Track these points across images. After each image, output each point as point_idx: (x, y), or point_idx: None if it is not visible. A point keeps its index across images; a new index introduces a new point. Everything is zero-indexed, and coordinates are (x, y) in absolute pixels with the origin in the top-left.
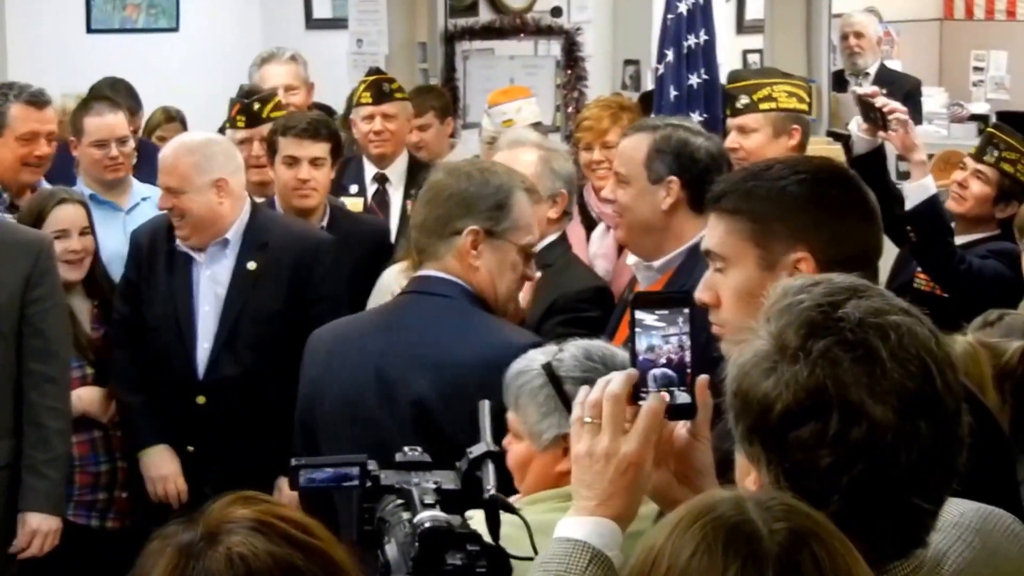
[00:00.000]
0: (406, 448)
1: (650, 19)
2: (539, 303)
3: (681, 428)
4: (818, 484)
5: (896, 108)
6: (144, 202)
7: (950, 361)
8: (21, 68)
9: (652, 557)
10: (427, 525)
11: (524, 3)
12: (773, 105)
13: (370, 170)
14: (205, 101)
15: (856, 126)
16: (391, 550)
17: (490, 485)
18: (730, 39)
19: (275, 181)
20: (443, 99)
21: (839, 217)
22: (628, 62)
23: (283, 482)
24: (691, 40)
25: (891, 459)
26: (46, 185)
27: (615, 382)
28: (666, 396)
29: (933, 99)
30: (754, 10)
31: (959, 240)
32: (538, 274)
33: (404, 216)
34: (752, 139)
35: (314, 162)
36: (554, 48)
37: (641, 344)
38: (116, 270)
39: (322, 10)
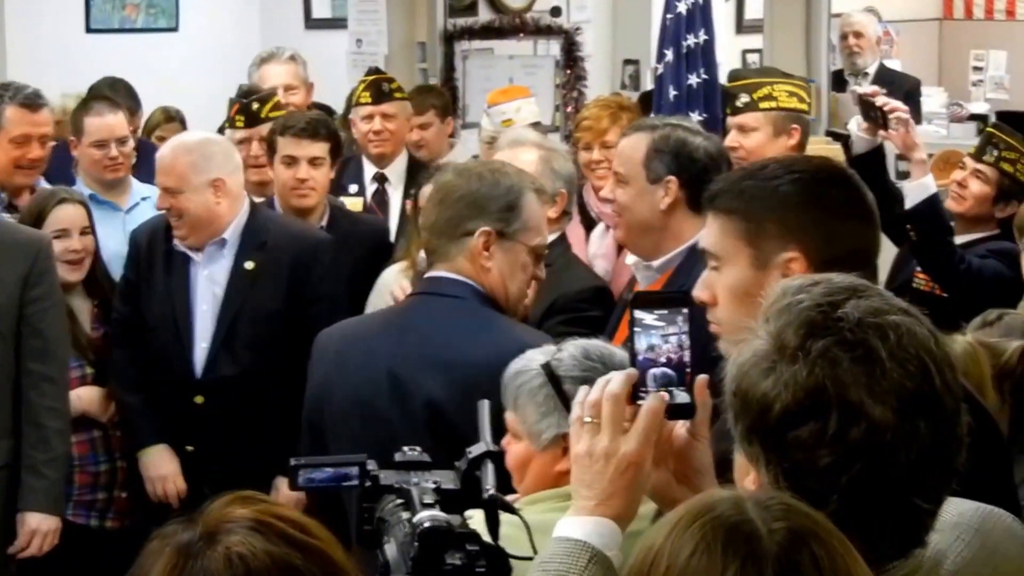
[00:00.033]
0: (405, 448)
1: (649, 19)
2: (539, 303)
3: (680, 428)
4: (817, 484)
5: (897, 107)
6: (144, 202)
7: (949, 361)
8: (20, 68)
9: (651, 556)
10: (426, 525)
11: (523, 3)
12: (773, 104)
13: (369, 170)
14: (204, 101)
15: (856, 126)
16: (390, 550)
17: (489, 485)
18: (729, 39)
19: (274, 181)
20: (444, 98)
21: (833, 217)
22: (627, 62)
23: (281, 482)
24: (690, 40)
25: (890, 459)
26: (45, 185)
27: (615, 382)
28: (665, 396)
29: (932, 99)
30: (753, 10)
31: (958, 240)
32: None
33: (403, 216)
34: (752, 138)
35: (313, 162)
36: (553, 48)
37: (640, 344)
38: (116, 270)
39: (321, 10)
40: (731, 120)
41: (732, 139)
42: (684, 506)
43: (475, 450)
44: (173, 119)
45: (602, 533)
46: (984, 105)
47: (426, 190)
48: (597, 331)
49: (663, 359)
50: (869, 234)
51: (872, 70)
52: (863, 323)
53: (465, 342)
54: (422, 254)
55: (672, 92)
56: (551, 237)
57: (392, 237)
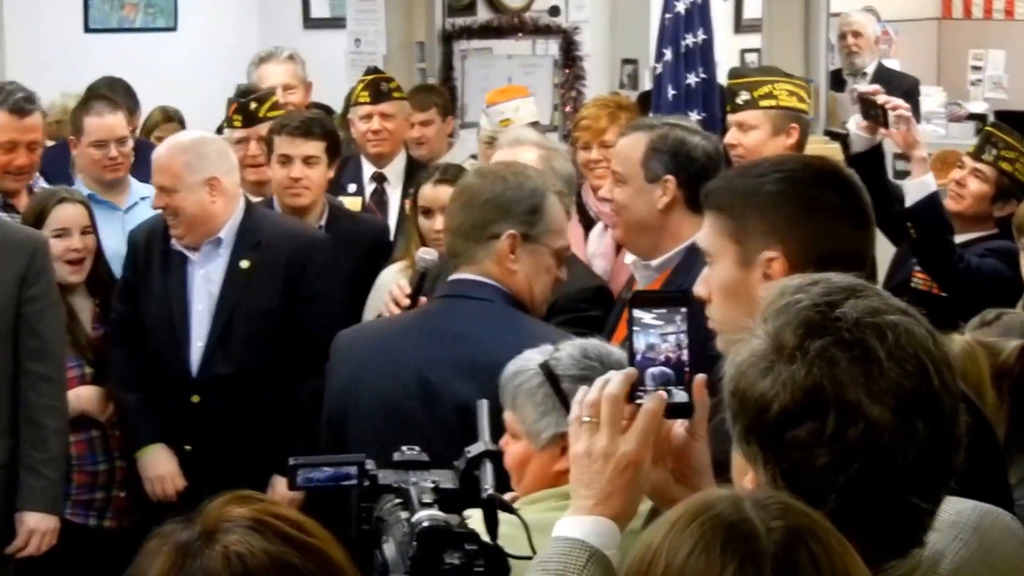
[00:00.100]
0: (404, 448)
1: (648, 18)
2: None
3: (679, 427)
4: (815, 483)
5: (899, 105)
6: (143, 201)
7: (947, 361)
8: (19, 67)
9: (650, 555)
10: (425, 524)
11: (522, 2)
12: (773, 103)
13: (368, 169)
14: (203, 100)
15: (855, 124)
16: (389, 549)
17: (488, 484)
18: (728, 38)
19: (271, 180)
20: (445, 98)
21: (817, 217)
22: (626, 61)
23: (278, 480)
24: (689, 39)
25: (888, 459)
26: (44, 185)
27: (613, 382)
28: (664, 395)
29: (931, 98)
30: (752, 9)
31: (957, 239)
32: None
33: (402, 215)
34: (751, 136)
35: (307, 160)
36: (552, 47)
37: (639, 343)
38: (115, 270)
39: (320, 9)
40: (731, 117)
41: (731, 137)
42: (683, 505)
43: (474, 450)
44: (172, 119)
45: (601, 532)
46: (983, 105)
47: (425, 190)
48: (597, 331)
49: (662, 358)
50: (857, 235)
51: (871, 70)
52: (861, 323)
53: (496, 345)
54: (420, 253)
55: (671, 91)
56: None
57: (391, 236)
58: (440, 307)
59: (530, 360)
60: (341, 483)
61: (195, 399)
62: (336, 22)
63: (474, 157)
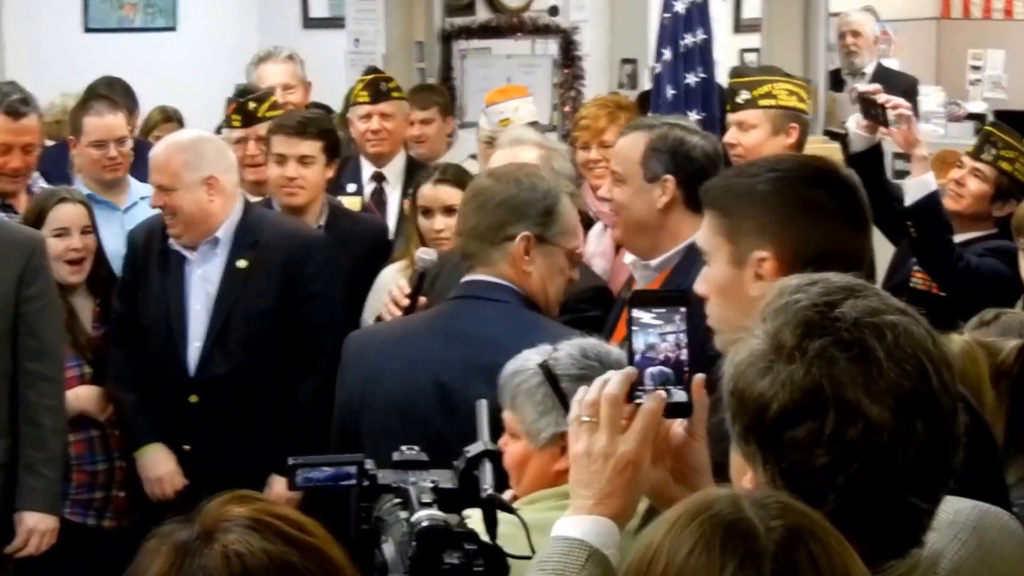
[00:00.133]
0: (403, 447)
1: (647, 18)
2: None
3: (678, 426)
4: (814, 483)
5: (900, 104)
6: (142, 201)
7: (946, 360)
8: (18, 67)
9: (650, 554)
10: (424, 524)
11: (521, 2)
12: (773, 102)
13: (367, 169)
14: (202, 100)
15: (854, 124)
16: (388, 549)
17: (487, 484)
18: (727, 38)
19: (269, 179)
20: (446, 97)
21: (807, 218)
22: (625, 61)
23: (275, 480)
24: (688, 39)
25: (887, 458)
26: (43, 185)
27: (613, 382)
28: (663, 394)
29: (930, 98)
30: (751, 9)
31: (956, 238)
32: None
33: (401, 215)
34: (751, 135)
35: (302, 160)
36: (551, 47)
37: (638, 342)
38: (115, 269)
39: (319, 9)
40: (730, 117)
41: (731, 136)
42: (682, 504)
43: (473, 449)
44: (171, 119)
45: (600, 532)
46: (982, 104)
47: (425, 190)
48: (597, 331)
49: (661, 357)
50: (852, 236)
51: (870, 69)
52: (860, 323)
53: (514, 346)
54: (418, 253)
55: (670, 91)
56: None
57: (390, 236)
58: (455, 308)
59: (529, 360)
60: (340, 483)
61: (193, 399)
62: (335, 22)
63: (473, 157)
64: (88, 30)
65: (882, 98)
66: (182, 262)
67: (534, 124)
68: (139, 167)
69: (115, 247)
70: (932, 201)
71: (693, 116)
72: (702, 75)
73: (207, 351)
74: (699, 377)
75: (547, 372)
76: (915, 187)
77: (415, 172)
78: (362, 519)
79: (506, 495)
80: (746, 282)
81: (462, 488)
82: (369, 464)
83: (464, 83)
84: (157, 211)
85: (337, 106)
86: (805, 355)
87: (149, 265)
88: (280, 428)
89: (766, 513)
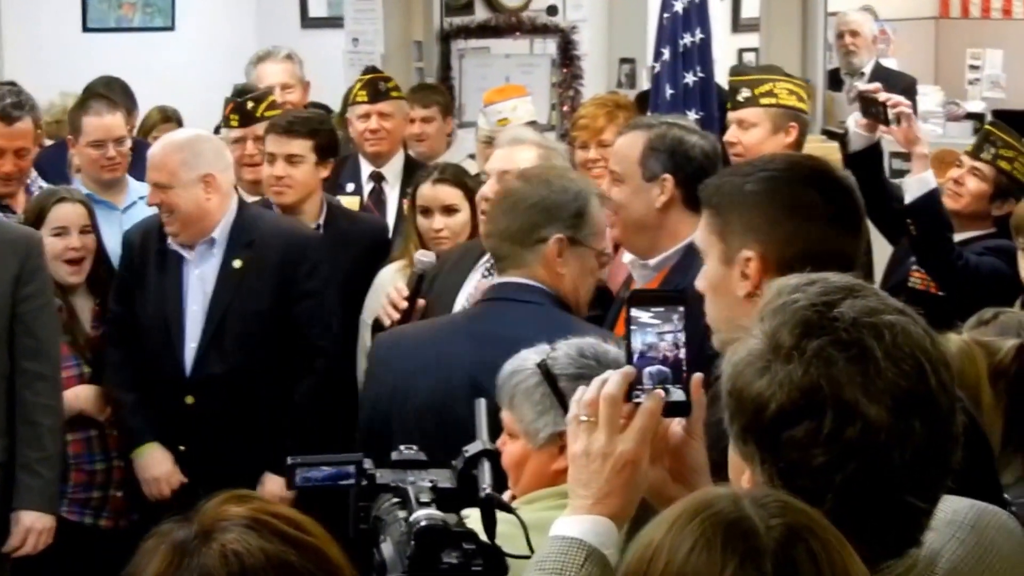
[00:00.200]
0: (402, 447)
1: (645, 18)
2: None
3: (676, 426)
4: (812, 483)
5: (900, 102)
6: (140, 201)
7: (944, 360)
8: (17, 67)
9: (650, 553)
10: (423, 524)
11: (520, 2)
12: (773, 101)
13: (366, 169)
14: (201, 100)
15: (853, 123)
16: (387, 549)
17: (486, 484)
18: (725, 38)
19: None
20: (447, 97)
21: (795, 218)
22: (624, 60)
23: (268, 477)
24: (687, 38)
25: (885, 458)
26: (42, 184)
27: (612, 381)
28: (661, 393)
29: (929, 98)
30: (750, 9)
31: (955, 238)
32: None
33: (400, 214)
34: (751, 134)
35: (290, 159)
36: (550, 47)
37: (637, 342)
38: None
39: (318, 9)
40: (731, 115)
41: (731, 134)
42: (682, 503)
43: (472, 449)
44: (170, 119)
45: (599, 532)
46: (980, 104)
47: (424, 189)
48: None
49: (659, 357)
50: (842, 238)
51: (868, 69)
52: (858, 323)
53: None
54: (417, 255)
55: (669, 91)
56: None
57: (389, 236)
58: (488, 311)
59: (527, 359)
60: (339, 482)
61: (189, 400)
62: (334, 21)
63: (472, 157)
64: (87, 30)
65: (883, 96)
66: (180, 262)
67: (532, 124)
68: (138, 167)
69: (114, 247)
70: (932, 199)
71: (692, 115)
72: (701, 74)
73: (203, 351)
74: (697, 376)
75: (545, 372)
76: (915, 185)
77: (414, 172)
78: (361, 518)
79: (505, 496)
80: (734, 281)
81: (461, 488)
82: (368, 464)
83: (463, 83)
84: (153, 212)
85: (336, 106)
86: (803, 355)
87: (146, 265)
88: (276, 427)
89: (766, 511)
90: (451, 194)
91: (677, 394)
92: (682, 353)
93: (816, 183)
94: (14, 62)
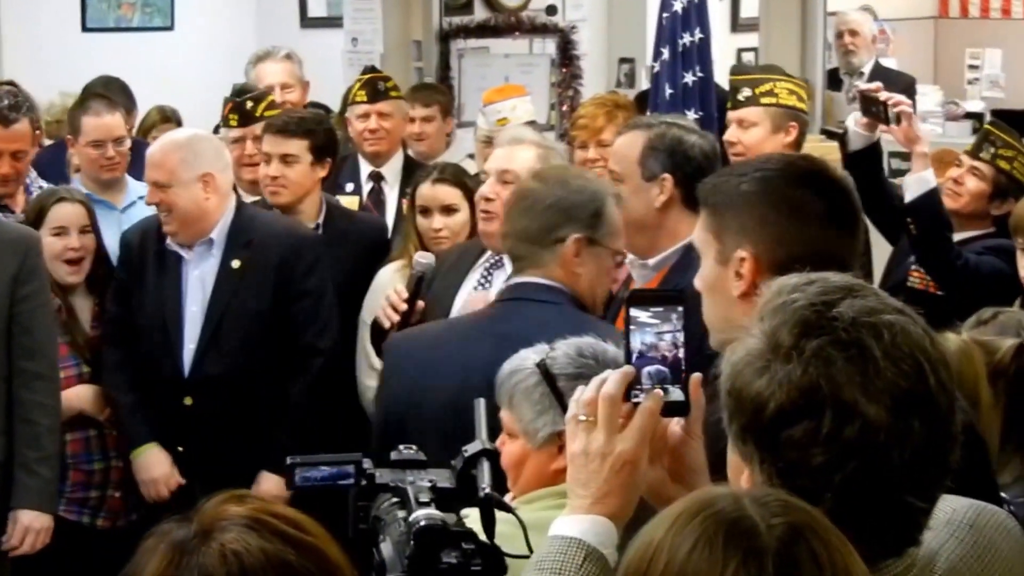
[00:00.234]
0: (401, 447)
1: (645, 17)
2: None
3: (675, 426)
4: (811, 483)
5: (901, 101)
6: (139, 201)
7: (944, 360)
8: (17, 67)
9: (651, 551)
10: (422, 523)
11: (519, 1)
12: (774, 100)
13: (365, 168)
14: (200, 100)
15: (853, 122)
16: (386, 548)
17: (485, 483)
18: (725, 37)
19: None
20: (447, 97)
21: (787, 218)
22: (623, 60)
23: (263, 476)
24: (686, 38)
25: (884, 458)
26: (42, 184)
27: (611, 381)
28: (660, 393)
29: (928, 97)
30: (749, 8)
31: (954, 237)
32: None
33: (399, 214)
34: (751, 133)
35: (284, 159)
36: (549, 46)
37: (635, 341)
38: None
39: (317, 9)
40: (731, 114)
41: (731, 134)
42: (682, 502)
43: (471, 449)
44: (169, 119)
45: (598, 531)
46: (979, 103)
47: (423, 189)
48: None
49: (658, 356)
50: (835, 239)
51: (868, 68)
52: (857, 322)
53: None
54: (417, 257)
55: (668, 90)
56: None
57: (389, 235)
58: (507, 310)
59: (526, 359)
60: (339, 482)
61: (187, 401)
62: (333, 21)
63: (471, 157)
64: (86, 29)
65: (884, 95)
66: (179, 263)
67: (532, 123)
68: (137, 167)
69: (112, 247)
70: (932, 197)
71: (691, 115)
72: (700, 74)
73: (201, 352)
74: (696, 376)
75: (544, 371)
76: (915, 183)
77: (413, 171)
78: (360, 518)
79: (507, 498)
80: (729, 281)
81: (460, 487)
82: (367, 463)
83: (462, 82)
84: (151, 212)
85: (335, 105)
86: (802, 355)
87: (145, 266)
88: (274, 428)
89: (767, 510)
90: (450, 194)
91: (676, 394)
92: (681, 353)
93: (810, 183)
94: (13, 62)
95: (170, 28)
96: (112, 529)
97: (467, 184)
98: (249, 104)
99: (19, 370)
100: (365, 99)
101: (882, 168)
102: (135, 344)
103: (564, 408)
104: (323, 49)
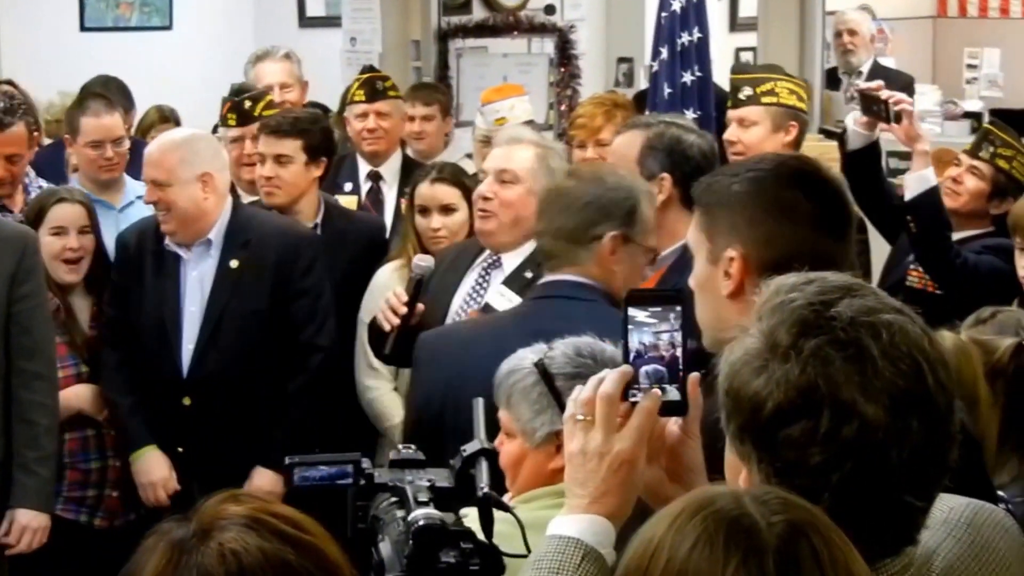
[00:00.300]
0: (400, 446)
1: (643, 17)
2: None
3: (673, 425)
4: (809, 482)
5: (902, 99)
6: (137, 200)
7: (942, 359)
8: (15, 66)
9: (651, 550)
10: (421, 523)
11: (517, 1)
12: (774, 100)
13: (364, 168)
14: (198, 99)
15: (852, 121)
16: (385, 548)
17: (484, 483)
18: (723, 37)
19: None
20: (447, 97)
21: (776, 219)
22: (621, 60)
23: (257, 472)
24: (685, 38)
25: (882, 457)
26: (42, 184)
27: (608, 380)
28: (659, 392)
29: (926, 97)
30: (747, 8)
31: (953, 236)
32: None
33: (398, 214)
34: (751, 132)
35: (278, 159)
36: (547, 46)
37: (633, 341)
38: None
39: (315, 8)
40: (731, 113)
41: (731, 133)
42: (682, 500)
43: (469, 448)
44: (168, 119)
45: (596, 531)
46: (978, 103)
47: (422, 188)
48: None
49: (656, 356)
50: (825, 241)
51: (866, 68)
52: (856, 322)
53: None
54: (416, 259)
55: (666, 90)
56: None
57: (387, 235)
58: (544, 308)
59: (524, 359)
60: (338, 482)
61: (186, 401)
62: (332, 21)
63: (469, 156)
64: (84, 29)
65: (884, 94)
66: (177, 263)
67: (530, 123)
68: (135, 166)
69: (111, 246)
70: (932, 196)
71: (689, 114)
72: (698, 74)
73: (200, 352)
74: (694, 376)
75: (542, 371)
76: (915, 181)
77: (411, 171)
78: (359, 518)
79: (505, 497)
80: (718, 280)
81: (458, 487)
82: (366, 463)
83: (460, 82)
84: (149, 213)
85: (334, 105)
86: (800, 354)
87: (143, 267)
88: (272, 427)
89: (767, 508)
90: (449, 193)
91: (674, 393)
92: (679, 352)
93: (802, 184)
94: (12, 61)
95: (168, 28)
96: (110, 528)
97: (465, 184)
98: (247, 104)
99: (18, 370)
100: (363, 99)
101: (881, 167)
102: (133, 345)
103: (562, 407)
104: (322, 49)
